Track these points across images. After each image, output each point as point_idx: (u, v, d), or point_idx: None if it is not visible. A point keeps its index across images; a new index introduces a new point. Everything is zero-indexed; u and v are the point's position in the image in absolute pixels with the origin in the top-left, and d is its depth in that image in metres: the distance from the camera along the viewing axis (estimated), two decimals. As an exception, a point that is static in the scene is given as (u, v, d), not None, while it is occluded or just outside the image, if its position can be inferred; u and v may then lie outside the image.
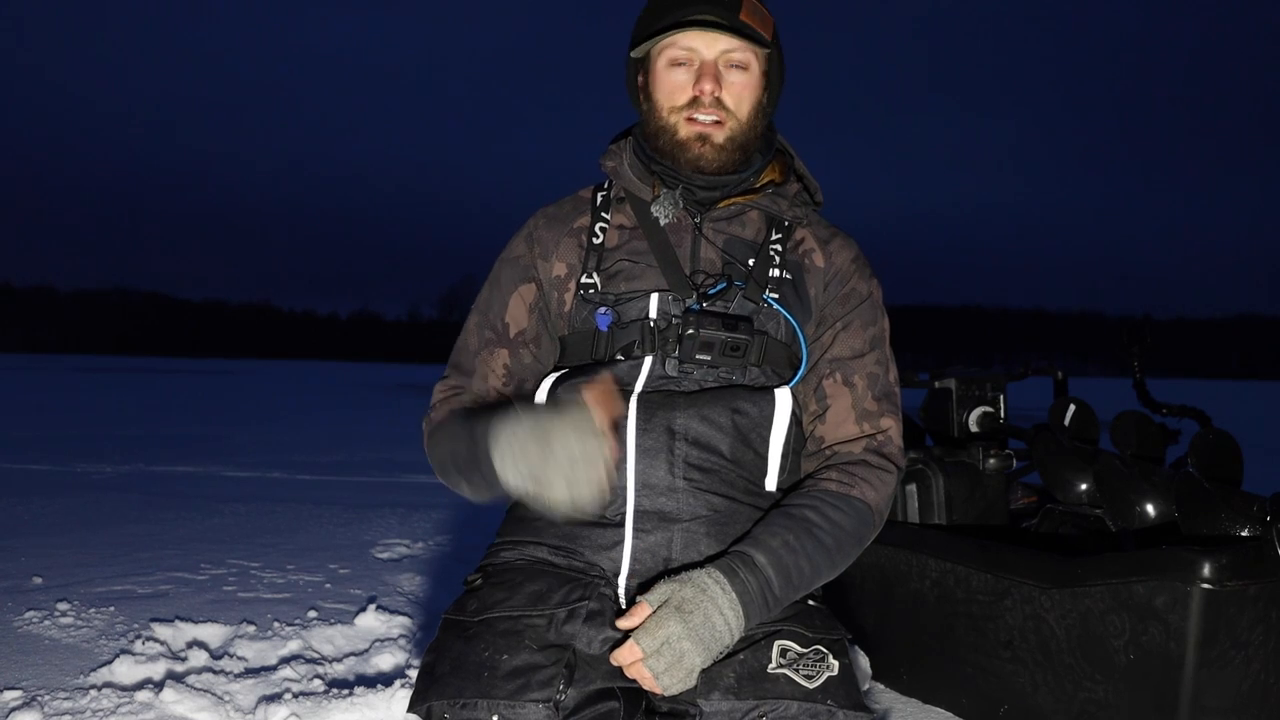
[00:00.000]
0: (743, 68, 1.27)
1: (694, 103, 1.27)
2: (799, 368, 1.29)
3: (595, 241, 1.33)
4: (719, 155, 1.28)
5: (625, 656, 1.08)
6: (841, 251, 1.36)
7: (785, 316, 1.28)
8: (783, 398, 1.26)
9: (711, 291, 1.27)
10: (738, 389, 1.25)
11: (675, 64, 1.28)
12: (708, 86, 1.26)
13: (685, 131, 1.28)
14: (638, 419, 1.22)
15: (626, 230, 1.34)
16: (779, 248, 1.32)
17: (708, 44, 1.25)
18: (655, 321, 1.26)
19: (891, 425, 1.29)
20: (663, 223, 1.31)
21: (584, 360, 1.29)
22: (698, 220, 1.32)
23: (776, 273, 1.31)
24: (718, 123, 1.27)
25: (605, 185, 1.40)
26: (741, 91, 1.27)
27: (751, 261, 1.31)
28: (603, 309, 1.28)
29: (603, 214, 1.35)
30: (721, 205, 1.32)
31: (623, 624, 1.11)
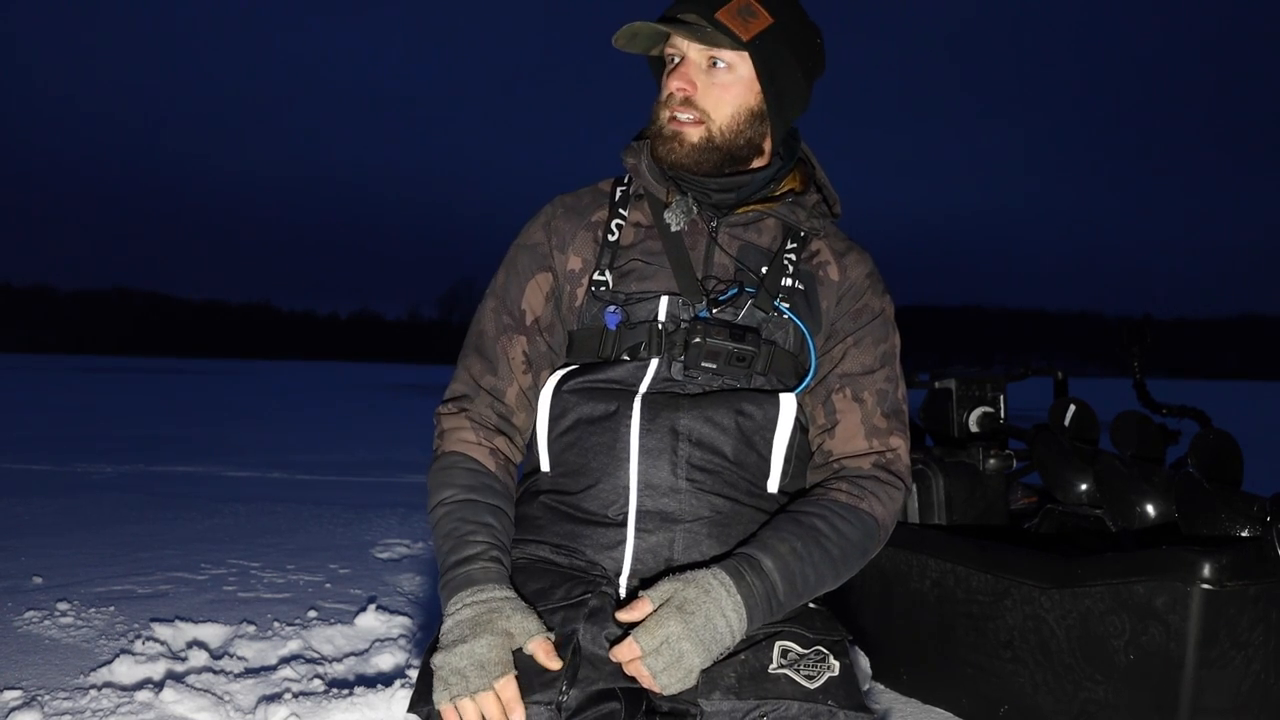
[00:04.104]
0: (726, 68, 1.25)
1: (669, 100, 1.27)
2: (804, 378, 1.29)
3: (611, 238, 1.32)
4: (691, 154, 1.27)
5: (624, 654, 1.08)
6: (857, 266, 1.35)
7: (797, 324, 1.28)
8: (787, 402, 1.25)
9: (722, 298, 1.27)
10: (742, 392, 1.25)
11: (667, 60, 1.28)
12: (675, 85, 1.26)
13: (666, 128, 1.28)
14: (641, 419, 1.22)
15: (643, 229, 1.33)
16: (793, 257, 1.31)
17: (688, 41, 1.25)
18: (664, 325, 1.26)
19: (900, 444, 1.29)
20: (674, 229, 1.30)
21: (590, 357, 1.29)
22: (714, 225, 1.32)
23: (789, 282, 1.30)
24: (696, 122, 1.26)
25: (625, 180, 1.39)
26: (721, 94, 1.26)
27: (764, 269, 1.30)
28: (612, 307, 1.27)
29: (620, 210, 1.34)
30: (739, 211, 1.32)
31: (621, 617, 1.11)
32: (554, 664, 1.09)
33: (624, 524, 1.21)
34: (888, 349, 1.33)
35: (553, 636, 1.11)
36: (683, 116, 1.26)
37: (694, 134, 1.26)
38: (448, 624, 1.11)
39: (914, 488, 2.43)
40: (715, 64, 1.25)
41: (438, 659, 1.08)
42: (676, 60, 1.27)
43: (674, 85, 1.25)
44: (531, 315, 1.32)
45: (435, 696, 1.07)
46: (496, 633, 1.08)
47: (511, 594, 1.14)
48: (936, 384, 2.75)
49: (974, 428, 2.68)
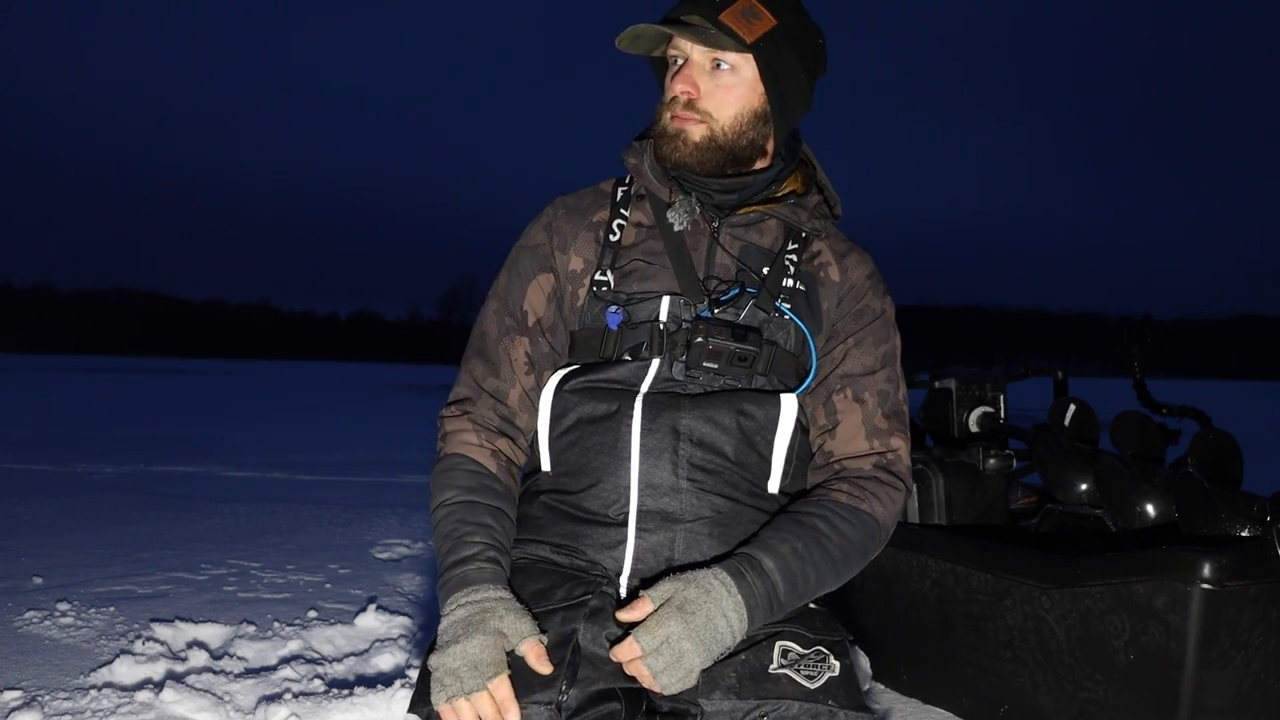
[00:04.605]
0: (730, 69, 1.26)
1: (673, 102, 1.27)
2: (805, 379, 1.29)
3: (612, 238, 1.32)
4: (694, 154, 1.27)
5: (624, 653, 1.08)
6: (857, 267, 1.35)
7: (798, 325, 1.28)
8: (788, 402, 1.25)
9: (724, 298, 1.27)
10: (743, 392, 1.25)
11: (670, 61, 1.28)
12: (679, 87, 1.26)
13: (669, 127, 1.28)
14: (642, 419, 1.22)
15: (644, 229, 1.33)
16: (794, 258, 1.31)
17: (691, 43, 1.25)
18: (665, 325, 1.26)
19: (901, 445, 1.29)
20: (677, 228, 1.30)
21: (592, 357, 1.29)
22: (715, 225, 1.32)
23: (790, 283, 1.30)
24: (698, 122, 1.26)
25: (626, 181, 1.39)
26: (725, 95, 1.26)
27: (766, 270, 1.31)
28: (613, 308, 1.27)
29: (621, 210, 1.34)
30: (741, 212, 1.32)
31: (622, 616, 1.11)
32: (545, 668, 1.09)
33: (625, 524, 1.21)
34: (889, 350, 1.33)
35: (545, 639, 1.11)
36: (683, 115, 1.26)
37: (696, 132, 1.26)
38: (443, 624, 1.12)
39: (914, 488, 2.43)
40: (719, 66, 1.25)
41: (433, 660, 1.08)
42: (680, 62, 1.27)
43: (678, 88, 1.26)
44: (534, 316, 1.32)
45: (432, 698, 1.07)
46: (489, 632, 1.08)
47: (506, 594, 1.14)
48: (936, 384, 2.75)
49: (974, 428, 2.68)
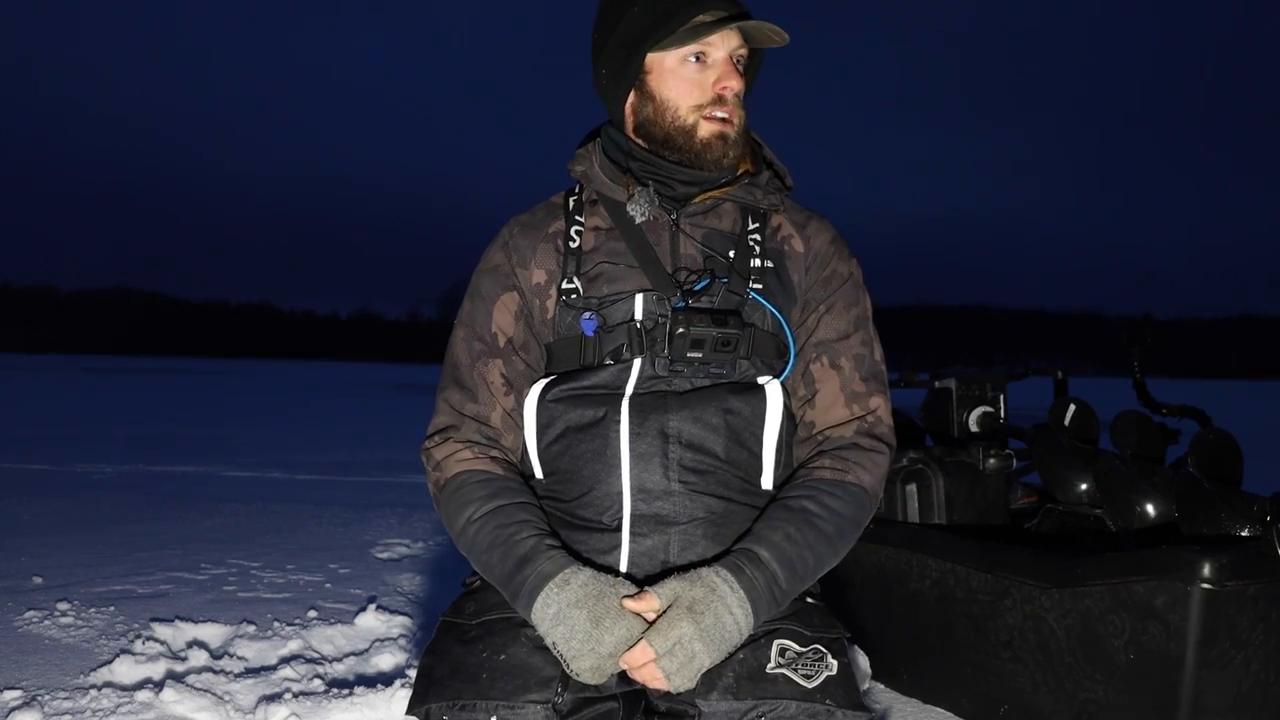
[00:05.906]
0: (741, 65, 1.28)
1: (717, 101, 1.26)
2: (787, 355, 1.28)
3: (572, 245, 1.31)
4: (735, 152, 1.29)
5: (638, 658, 1.07)
6: (819, 234, 1.35)
7: (768, 309, 1.27)
8: (773, 393, 1.25)
9: (696, 288, 1.26)
10: (729, 387, 1.24)
11: (687, 60, 1.26)
12: (734, 84, 1.26)
13: (706, 130, 1.27)
14: (630, 423, 1.21)
15: (603, 232, 1.32)
16: (758, 237, 1.31)
17: (723, 40, 1.25)
18: (642, 323, 1.25)
19: (880, 404, 1.29)
20: (639, 220, 1.29)
21: (572, 367, 1.28)
22: (674, 217, 1.31)
23: (758, 262, 1.30)
24: (731, 122, 1.28)
25: (576, 190, 1.39)
26: (741, 89, 1.29)
27: (732, 254, 1.30)
28: (587, 314, 1.26)
29: (576, 217, 1.34)
30: (697, 200, 1.31)
31: (630, 605, 1.10)
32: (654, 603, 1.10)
33: (619, 529, 1.20)
34: (860, 312, 1.32)
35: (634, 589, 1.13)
36: (724, 115, 1.27)
37: (732, 132, 1.28)
38: (555, 634, 1.10)
39: (913, 487, 2.43)
40: (739, 60, 1.27)
41: (574, 669, 1.09)
42: (707, 58, 1.26)
43: (730, 85, 1.26)
44: (504, 337, 1.31)
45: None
46: (616, 614, 1.09)
47: (588, 569, 1.14)
48: (936, 384, 2.75)
49: (974, 428, 2.68)
